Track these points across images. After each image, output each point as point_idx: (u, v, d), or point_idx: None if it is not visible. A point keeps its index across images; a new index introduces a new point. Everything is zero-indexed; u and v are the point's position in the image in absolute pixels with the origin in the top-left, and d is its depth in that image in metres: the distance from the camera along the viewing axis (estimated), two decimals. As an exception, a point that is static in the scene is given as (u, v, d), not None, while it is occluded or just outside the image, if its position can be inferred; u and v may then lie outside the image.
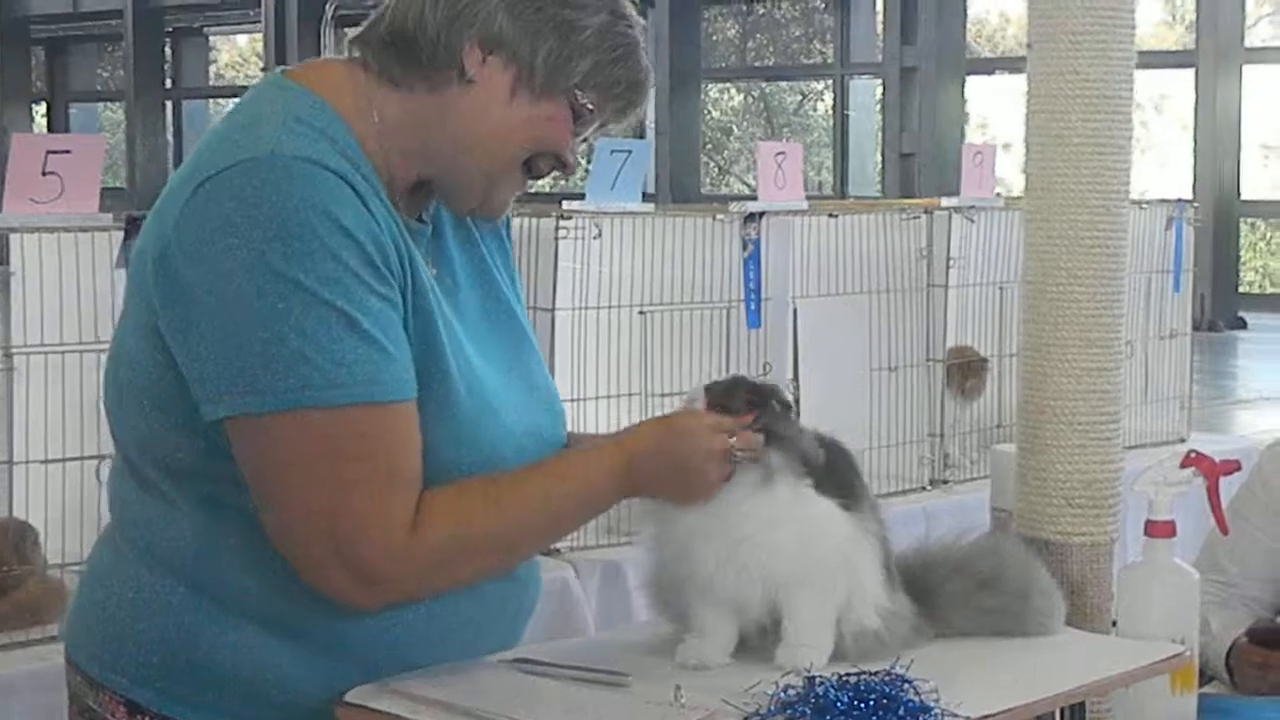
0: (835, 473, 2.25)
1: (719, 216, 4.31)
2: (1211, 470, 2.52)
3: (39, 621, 3.21)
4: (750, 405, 2.21)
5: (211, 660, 2.08)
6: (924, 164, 20.41)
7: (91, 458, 3.33)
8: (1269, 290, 22.05)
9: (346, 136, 2.07)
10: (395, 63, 2.11)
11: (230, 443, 2.00)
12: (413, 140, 2.12)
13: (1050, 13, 2.56)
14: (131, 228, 3.27)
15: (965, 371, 4.91)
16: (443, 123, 2.11)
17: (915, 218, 4.75)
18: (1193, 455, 2.51)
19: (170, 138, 28.41)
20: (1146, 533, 2.49)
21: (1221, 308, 18.27)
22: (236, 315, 1.95)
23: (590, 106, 2.14)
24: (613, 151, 4.12)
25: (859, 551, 2.25)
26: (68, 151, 3.27)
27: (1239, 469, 2.62)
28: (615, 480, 2.15)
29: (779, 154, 4.56)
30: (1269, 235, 22.86)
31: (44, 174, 3.24)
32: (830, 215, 4.55)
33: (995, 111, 24.01)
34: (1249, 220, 20.82)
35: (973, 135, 22.16)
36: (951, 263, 4.80)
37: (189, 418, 2.02)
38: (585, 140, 2.20)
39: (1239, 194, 19.48)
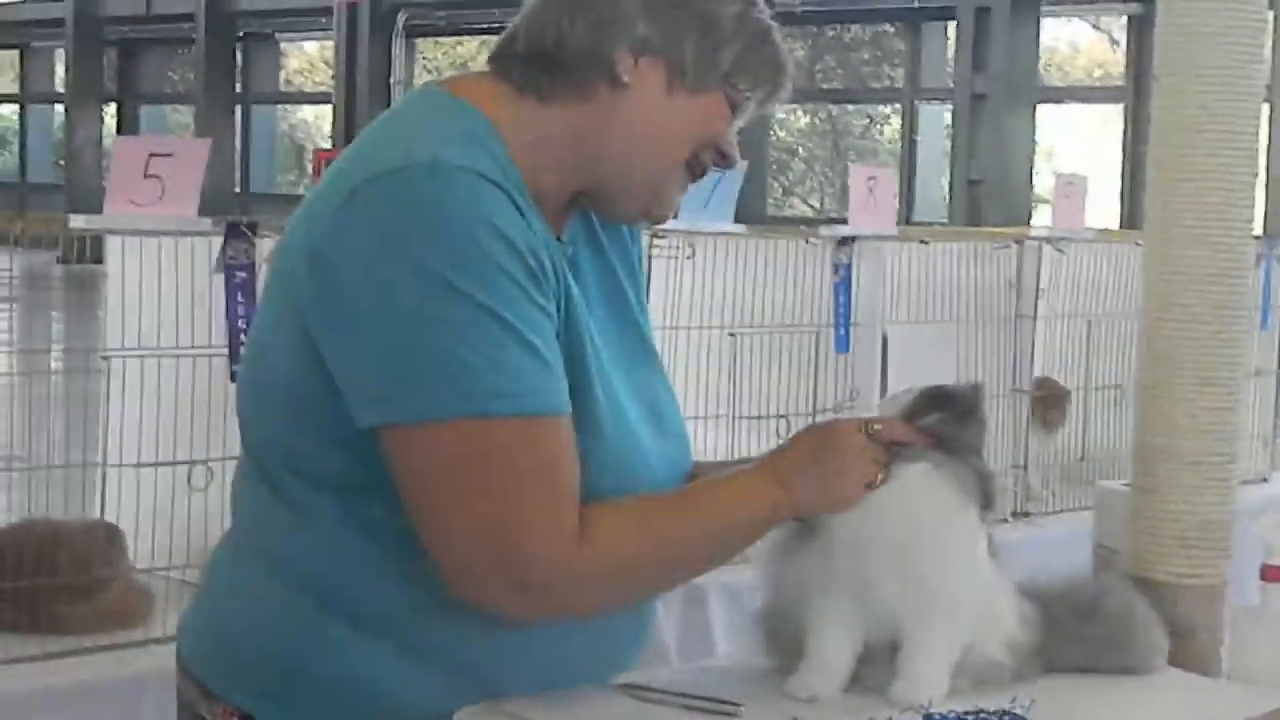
0: None
1: (811, 240, 4.29)
2: (1331, 514, 2.48)
3: (125, 625, 3.21)
4: (940, 411, 2.18)
5: (334, 675, 2.05)
6: (991, 191, 20.34)
7: (183, 463, 3.32)
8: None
9: (502, 150, 2.05)
10: (542, 77, 2.09)
11: (384, 451, 1.97)
12: (570, 154, 2.10)
13: (1180, 45, 2.52)
14: (232, 233, 3.26)
15: (1048, 403, 4.88)
16: (603, 130, 2.10)
17: (1005, 247, 4.71)
18: (1312, 499, 2.47)
19: (238, 142, 28.56)
20: (1263, 577, 2.44)
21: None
22: (398, 321, 1.92)
23: (747, 94, 2.14)
24: (707, 171, 4.09)
25: (1001, 589, 2.24)
26: (170, 155, 3.26)
27: (1359, 514, 2.57)
28: (768, 496, 2.11)
29: (870, 179, 4.52)
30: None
31: (145, 176, 3.23)
32: (922, 242, 4.52)
33: (1061, 141, 23.95)
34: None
35: (1039, 164, 22.08)
36: (1040, 294, 4.77)
37: (335, 425, 1.99)
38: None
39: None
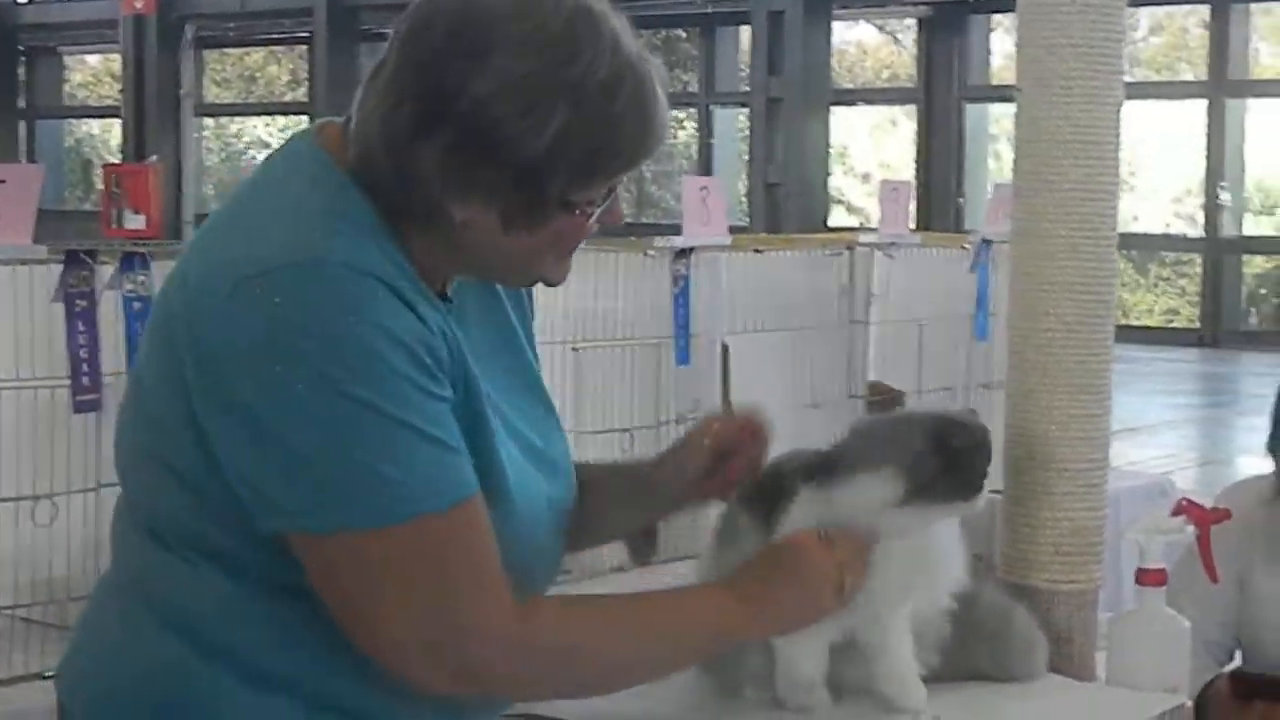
0: None
1: (649, 252, 4.27)
2: (1203, 519, 2.51)
3: (-27, 668, 3.10)
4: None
5: None
6: (789, 194, 20.55)
7: (26, 498, 3.22)
8: (1121, 321, 22.40)
9: (381, 228, 1.96)
10: (382, 204, 1.97)
11: (299, 553, 1.90)
12: (432, 258, 2.00)
13: (1040, 57, 2.55)
14: (71, 261, 3.17)
15: (883, 407, 4.90)
16: (461, 248, 1.99)
17: (838, 254, 4.73)
18: (1184, 503, 2.50)
19: (23, 158, 27.99)
20: (1138, 581, 2.47)
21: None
22: (306, 437, 1.85)
23: (591, 200, 1.99)
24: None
25: (947, 540, 2.36)
26: (2, 182, 3.16)
27: (1229, 517, 2.61)
28: (733, 618, 2.14)
29: (703, 189, 4.51)
30: (1122, 267, 23.27)
31: (-23, 205, 3.12)
32: (756, 251, 4.53)
33: (854, 142, 24.26)
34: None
35: (832, 165, 22.36)
36: (872, 299, 4.79)
37: (226, 508, 1.92)
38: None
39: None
